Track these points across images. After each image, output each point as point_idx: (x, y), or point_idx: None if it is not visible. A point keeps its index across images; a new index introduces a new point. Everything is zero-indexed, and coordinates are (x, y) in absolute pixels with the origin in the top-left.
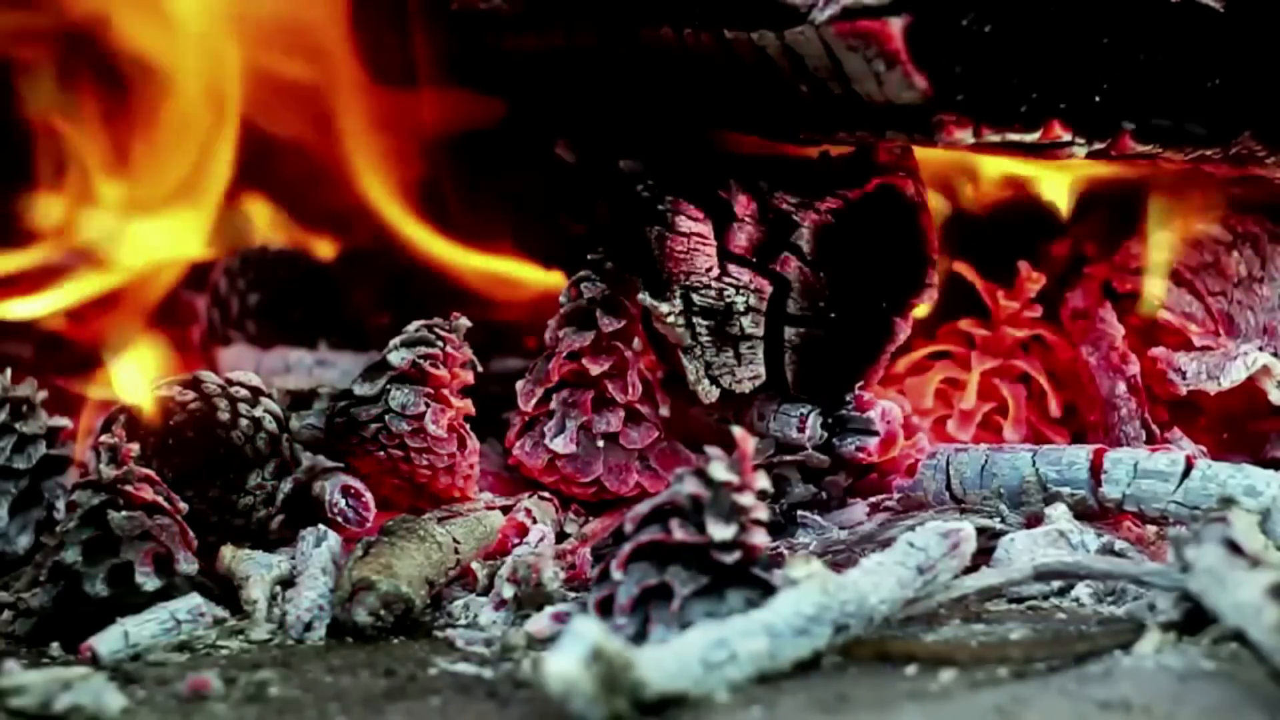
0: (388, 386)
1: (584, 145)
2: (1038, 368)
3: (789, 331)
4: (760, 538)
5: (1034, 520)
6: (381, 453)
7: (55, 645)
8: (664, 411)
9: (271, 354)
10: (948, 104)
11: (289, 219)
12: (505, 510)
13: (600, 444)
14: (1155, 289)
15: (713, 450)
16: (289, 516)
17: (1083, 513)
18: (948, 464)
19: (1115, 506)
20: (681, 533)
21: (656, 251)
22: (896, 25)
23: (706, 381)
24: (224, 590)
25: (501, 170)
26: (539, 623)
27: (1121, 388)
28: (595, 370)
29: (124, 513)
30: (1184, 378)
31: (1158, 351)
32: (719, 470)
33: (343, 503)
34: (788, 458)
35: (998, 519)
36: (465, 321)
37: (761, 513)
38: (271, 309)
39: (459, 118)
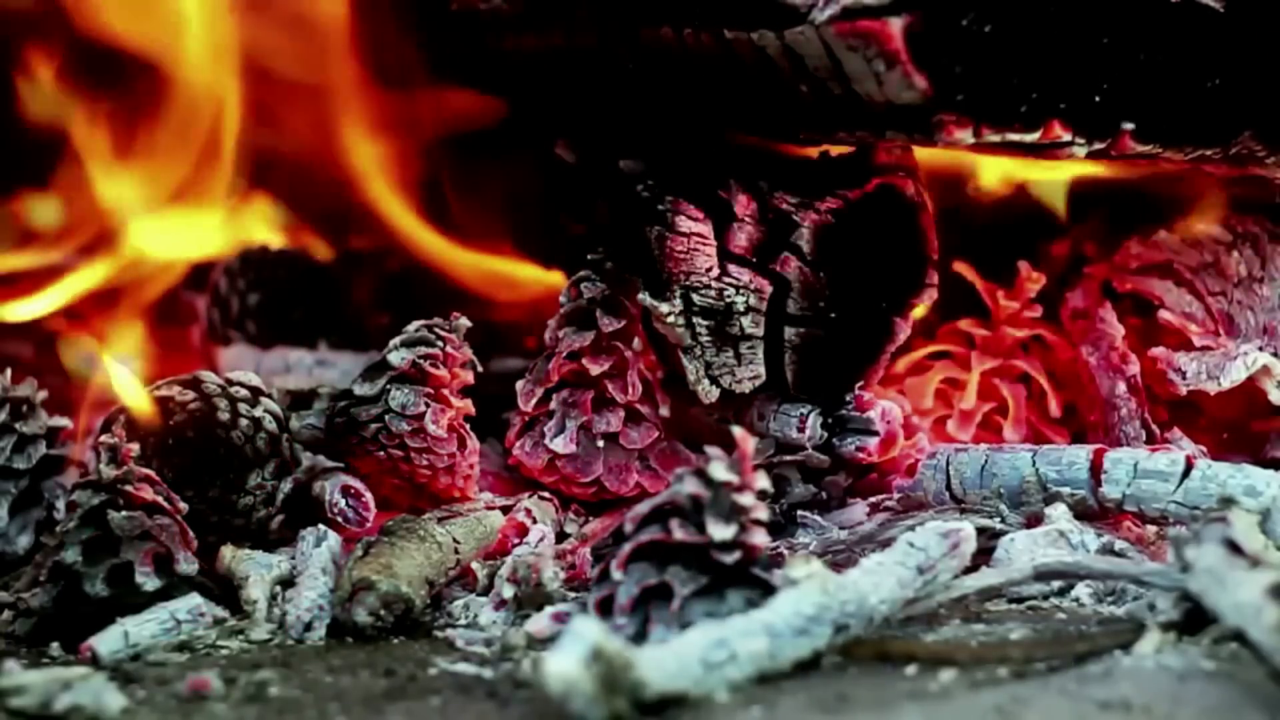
0: (388, 386)
1: (584, 145)
2: (1038, 368)
3: (789, 331)
4: (760, 538)
5: (1034, 520)
6: (381, 453)
7: (55, 645)
8: (664, 411)
9: (271, 354)
10: (948, 104)
11: (289, 219)
12: (505, 510)
13: (600, 444)
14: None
15: (713, 450)
16: (289, 516)
17: (1083, 513)
18: (948, 464)
19: (1115, 506)
20: (681, 533)
21: (656, 251)
22: (896, 25)
23: (706, 381)
24: (224, 590)
25: (501, 170)
26: (539, 623)
27: (1121, 388)
28: (595, 370)
29: (124, 513)
30: (1184, 378)
31: (1158, 351)
32: (719, 470)
33: (343, 503)
34: (788, 458)
35: (998, 519)
36: (465, 321)
37: (761, 513)
38: (271, 309)
39: (459, 118)
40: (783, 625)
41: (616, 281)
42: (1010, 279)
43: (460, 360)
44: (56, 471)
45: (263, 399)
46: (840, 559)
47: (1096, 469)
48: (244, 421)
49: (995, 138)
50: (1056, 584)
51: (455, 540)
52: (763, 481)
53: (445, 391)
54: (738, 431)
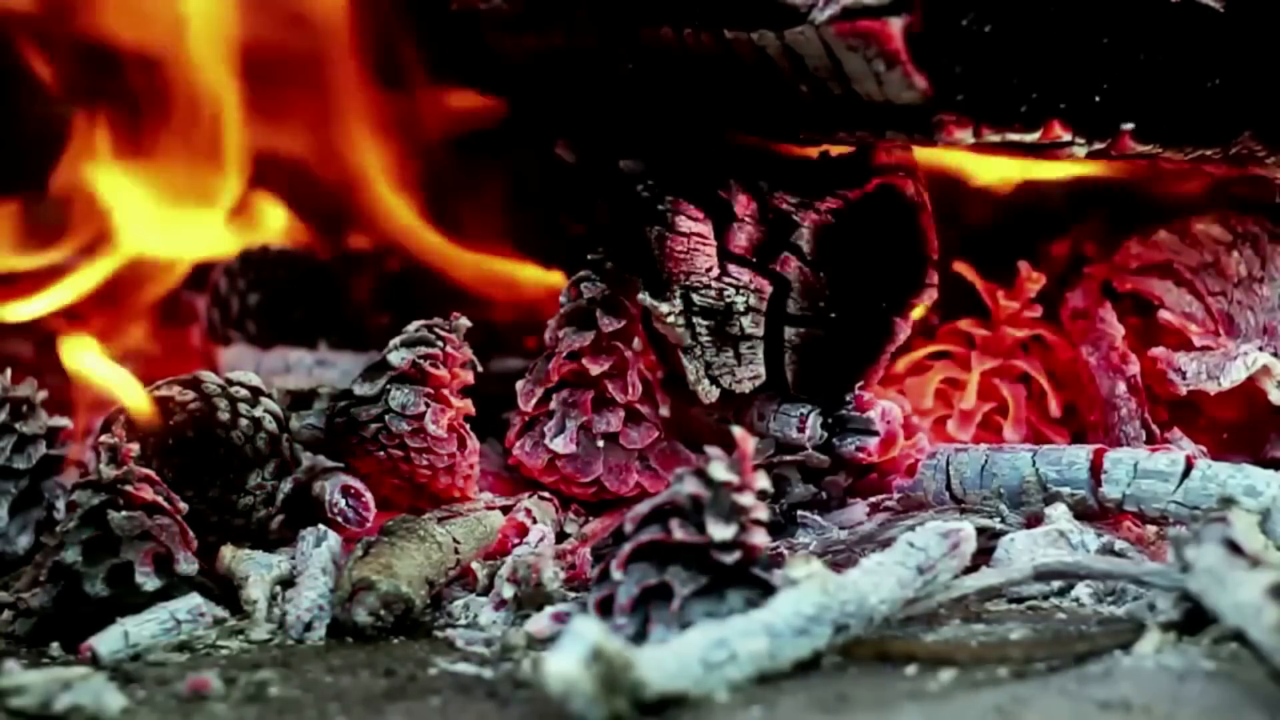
0: (388, 386)
1: (584, 145)
2: (1038, 368)
3: (789, 331)
4: (760, 538)
5: (1034, 520)
6: (381, 453)
7: (55, 645)
8: (664, 411)
9: (271, 354)
10: (948, 104)
11: (290, 218)
12: (505, 510)
13: (600, 444)
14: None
15: (713, 450)
16: (289, 516)
17: (1083, 513)
18: (948, 464)
19: (1115, 506)
20: (681, 533)
21: (656, 251)
22: (896, 25)
23: (706, 381)
24: (224, 590)
25: (501, 170)
26: (539, 623)
27: (1121, 388)
28: (595, 370)
29: (124, 513)
30: (1184, 378)
31: (1158, 351)
32: (719, 470)
33: (343, 503)
34: (788, 458)
35: (998, 519)
36: (465, 321)
37: (761, 513)
38: (271, 309)
39: (459, 118)
40: (783, 625)
41: (616, 281)
42: (1010, 279)
43: (460, 360)
44: (56, 471)
45: (263, 399)
46: (840, 559)
47: (1096, 469)
48: (244, 421)
49: (995, 138)
50: (1056, 584)
51: (455, 540)
52: (763, 481)
53: (445, 391)
54: (738, 431)
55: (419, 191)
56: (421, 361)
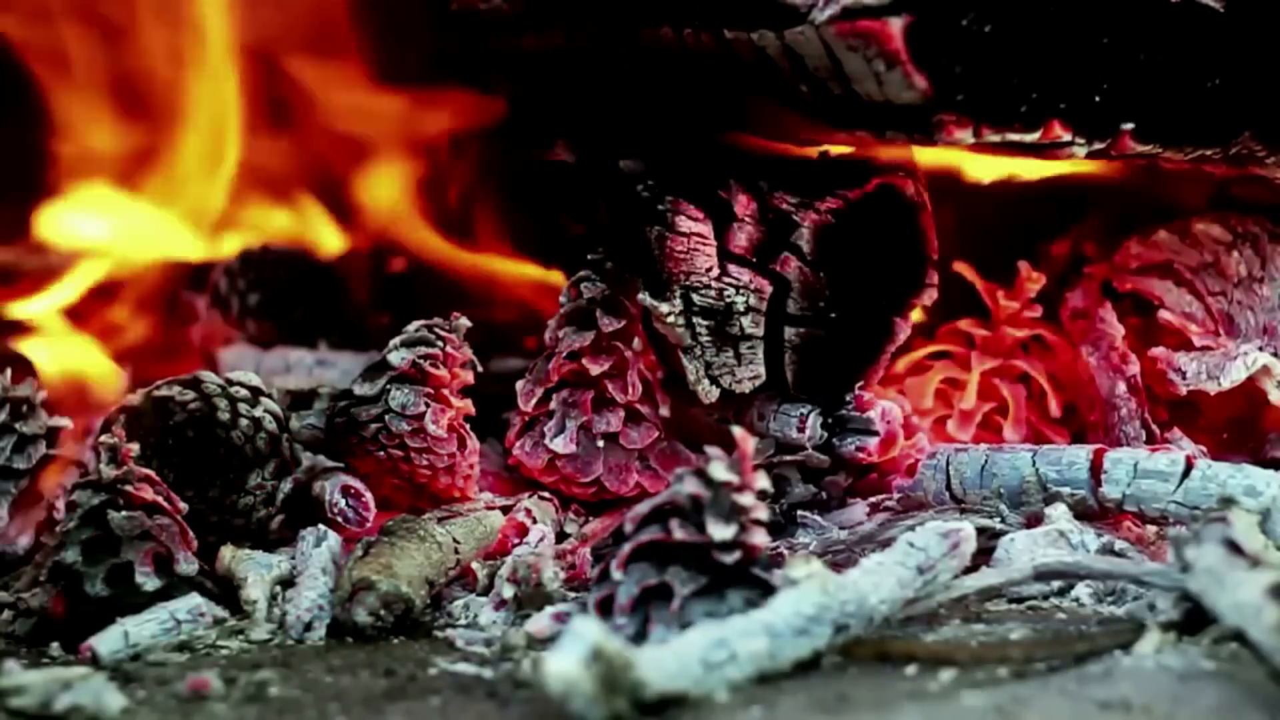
0: (388, 386)
1: (584, 145)
2: (1038, 368)
3: (789, 331)
4: (760, 538)
5: (1034, 520)
6: (381, 453)
7: (55, 645)
8: (664, 411)
9: (271, 354)
10: (948, 104)
11: (290, 218)
12: (505, 510)
13: (600, 444)
14: None
15: (713, 450)
16: (289, 516)
17: (1083, 513)
18: (948, 464)
19: (1115, 506)
20: (681, 533)
21: (656, 251)
22: (896, 25)
23: (706, 381)
24: (224, 590)
25: (501, 170)
26: (539, 623)
27: (1121, 388)
28: (595, 370)
29: (124, 513)
30: (1184, 378)
31: (1158, 351)
32: (719, 470)
33: (343, 503)
34: (788, 458)
35: (998, 519)
36: (465, 321)
37: (761, 513)
38: (271, 309)
39: (459, 118)
40: (783, 625)
41: (616, 281)
42: (1010, 279)
43: (460, 360)
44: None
45: (263, 399)
46: (840, 559)
47: (1096, 469)
48: (244, 421)
49: (995, 138)
50: (1056, 584)
51: (455, 540)
52: (763, 481)
53: (445, 391)
54: (738, 431)
55: (420, 191)
56: (421, 361)
